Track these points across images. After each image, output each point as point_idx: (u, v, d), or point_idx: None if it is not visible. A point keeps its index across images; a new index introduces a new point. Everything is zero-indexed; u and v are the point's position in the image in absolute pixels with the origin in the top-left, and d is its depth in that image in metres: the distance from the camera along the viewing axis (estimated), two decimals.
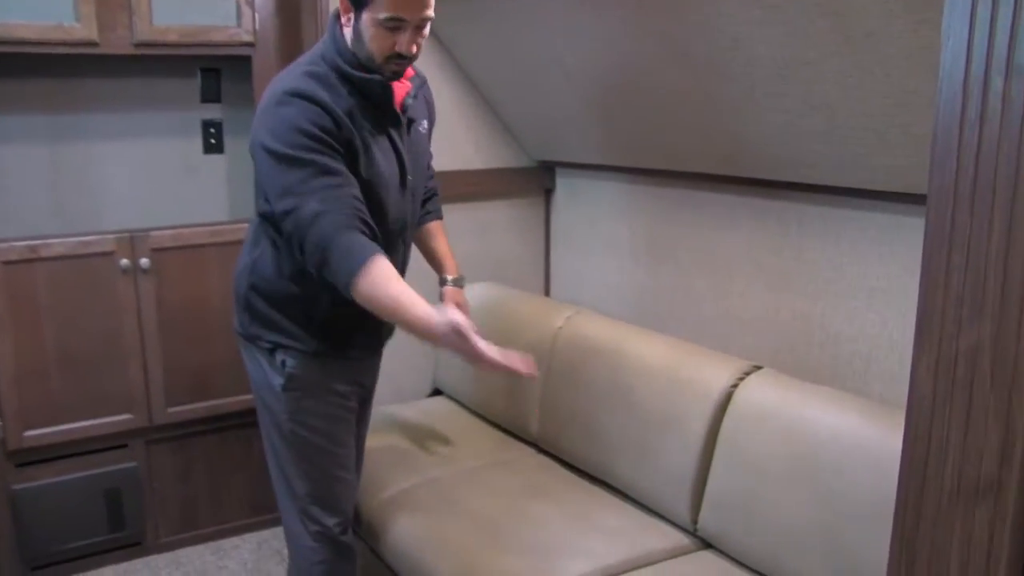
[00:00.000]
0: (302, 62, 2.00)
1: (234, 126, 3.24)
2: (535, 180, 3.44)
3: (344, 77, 1.94)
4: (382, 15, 1.84)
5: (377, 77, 1.95)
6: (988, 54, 0.92)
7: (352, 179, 1.91)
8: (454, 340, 1.82)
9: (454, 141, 3.23)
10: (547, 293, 3.55)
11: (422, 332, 1.85)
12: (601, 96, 2.68)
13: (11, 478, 2.84)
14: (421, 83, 2.18)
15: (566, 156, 3.27)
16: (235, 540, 3.20)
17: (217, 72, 3.20)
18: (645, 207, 2.97)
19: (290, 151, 1.84)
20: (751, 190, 2.54)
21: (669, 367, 2.34)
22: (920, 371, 1.10)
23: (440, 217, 2.47)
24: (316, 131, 1.85)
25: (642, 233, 3.00)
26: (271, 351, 2.10)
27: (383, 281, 1.84)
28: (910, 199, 2.09)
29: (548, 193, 3.48)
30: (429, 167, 2.41)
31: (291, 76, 1.95)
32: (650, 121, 2.59)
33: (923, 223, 1.90)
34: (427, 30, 1.93)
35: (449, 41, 3.09)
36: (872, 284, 2.25)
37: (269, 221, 2.03)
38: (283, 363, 2.08)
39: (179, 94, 3.17)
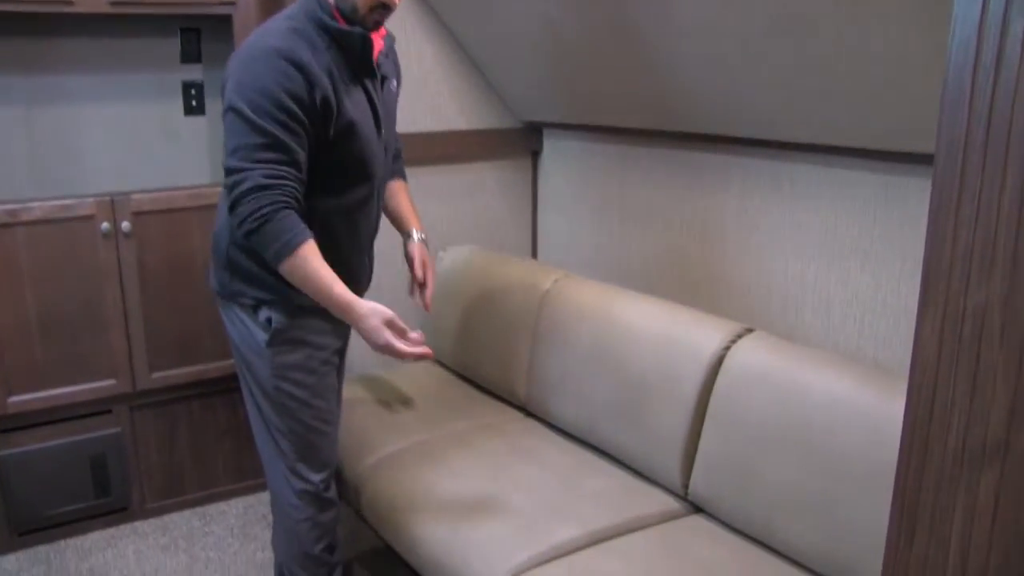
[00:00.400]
0: (284, 16, 1.99)
1: (215, 87, 3.17)
2: (521, 142, 3.39)
3: (324, 30, 1.95)
4: None
5: (358, 29, 1.97)
6: None
7: (302, 156, 1.93)
8: (378, 330, 1.94)
9: (438, 102, 3.18)
10: (534, 256, 3.52)
11: (342, 309, 1.96)
12: (589, 54, 2.62)
13: None
14: (392, 42, 2.22)
15: (553, 117, 3.22)
16: (221, 505, 3.18)
17: (197, 32, 3.13)
18: (634, 168, 2.94)
19: (253, 116, 1.86)
20: (744, 150, 2.51)
21: (660, 330, 2.31)
22: (925, 330, 1.07)
23: (404, 177, 2.48)
24: (286, 100, 1.87)
25: (631, 195, 2.96)
26: (254, 308, 2.11)
27: (311, 260, 1.92)
28: (906, 159, 2.07)
29: (535, 155, 3.44)
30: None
31: (274, 32, 1.94)
32: (640, 79, 2.54)
33: (919, 183, 1.87)
34: None
35: None
36: (866, 246, 2.22)
37: None
38: (268, 320, 2.09)
39: (159, 55, 3.09)
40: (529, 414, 2.74)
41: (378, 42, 2.08)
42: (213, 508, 3.16)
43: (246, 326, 2.14)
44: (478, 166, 3.35)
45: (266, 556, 2.84)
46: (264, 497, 3.21)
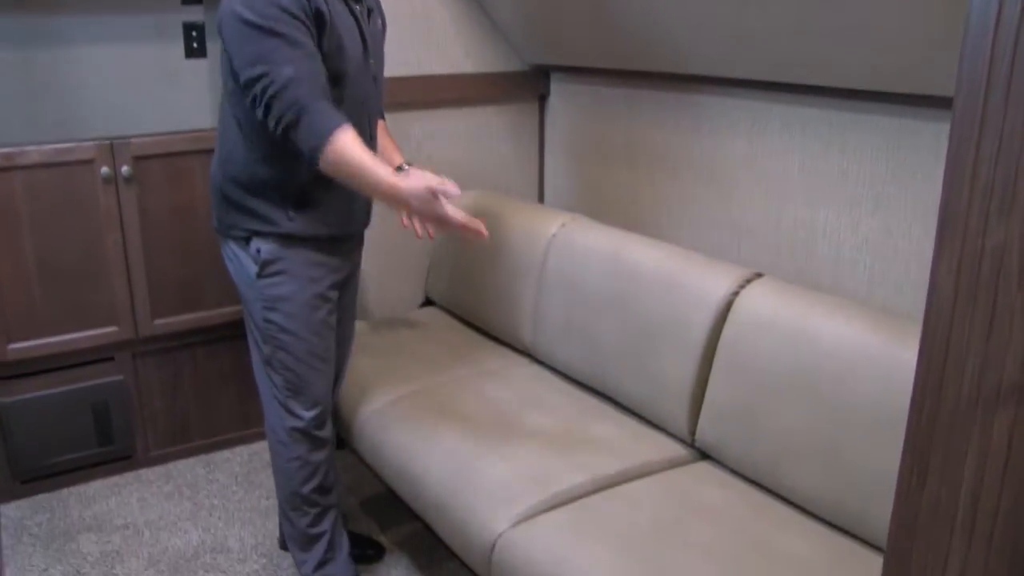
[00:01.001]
0: None
1: (216, 29, 3.12)
2: (528, 85, 3.34)
3: None
4: None
5: None
6: None
7: (319, 56, 1.94)
8: (426, 201, 1.89)
9: (443, 44, 3.12)
10: (541, 201, 3.48)
11: (388, 193, 1.91)
12: None
13: None
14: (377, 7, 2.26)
15: (561, 59, 3.16)
16: (226, 453, 3.18)
17: None
18: (642, 112, 2.89)
19: (264, 22, 1.87)
20: (753, 93, 2.46)
21: (667, 275, 2.28)
22: (941, 270, 1.05)
23: (383, 117, 2.46)
24: (290, 5, 1.88)
25: (639, 139, 2.92)
26: (247, 239, 2.13)
27: (351, 147, 1.89)
28: (919, 101, 2.02)
29: (542, 99, 3.39)
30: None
31: None
32: (649, 19, 2.49)
33: (933, 128, 1.84)
34: None
35: None
36: (878, 191, 2.18)
37: (235, 103, 2.05)
38: (258, 250, 2.11)
39: None
40: (535, 360, 2.72)
41: None
42: (217, 455, 3.17)
43: (239, 259, 2.16)
44: (485, 110, 3.30)
45: (271, 503, 2.84)
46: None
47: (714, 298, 2.14)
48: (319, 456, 2.28)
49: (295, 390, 2.20)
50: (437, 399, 2.44)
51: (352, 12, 2.06)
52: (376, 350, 2.78)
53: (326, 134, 1.87)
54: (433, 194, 1.88)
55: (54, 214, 2.74)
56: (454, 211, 1.91)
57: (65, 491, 2.96)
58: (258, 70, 1.88)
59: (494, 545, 1.90)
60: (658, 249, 2.39)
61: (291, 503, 2.31)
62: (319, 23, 1.94)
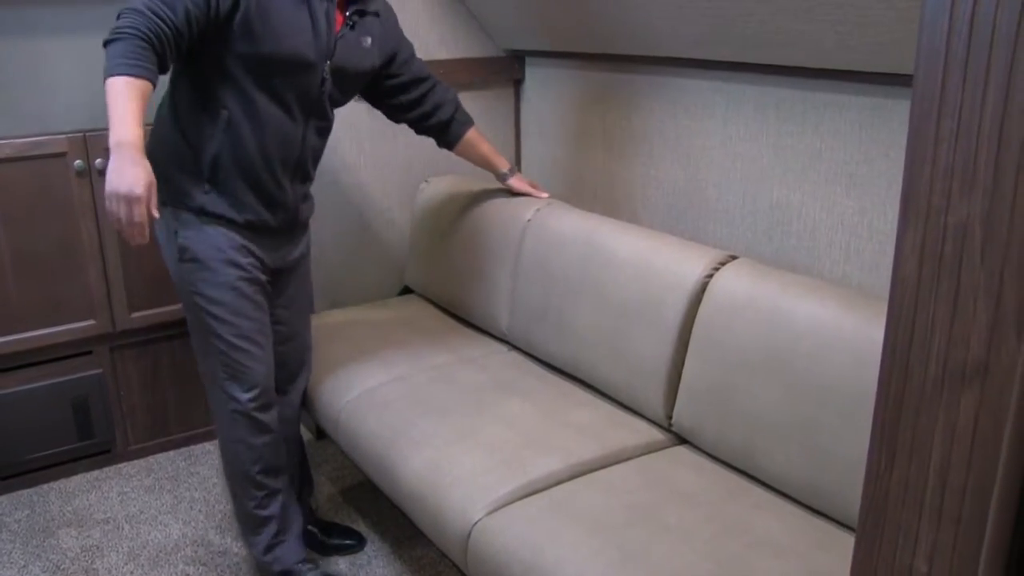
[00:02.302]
0: None
1: None
2: (503, 70, 3.32)
3: None
4: None
5: None
6: None
7: (188, 15, 1.88)
8: (116, 199, 1.75)
9: (416, 31, 3.09)
10: None
11: (125, 132, 1.77)
12: None
13: None
14: (389, 14, 2.37)
15: (535, 44, 3.15)
16: (207, 445, 3.17)
17: None
18: (617, 96, 2.88)
19: None
20: (726, 75, 2.45)
21: (641, 258, 2.27)
22: (904, 250, 1.04)
23: (473, 123, 2.61)
24: None
25: (614, 123, 2.91)
26: (163, 204, 2.07)
27: (131, 92, 1.79)
28: (892, 80, 2.02)
29: (517, 84, 3.38)
30: (424, 71, 2.49)
31: None
32: (623, 4, 2.47)
33: (904, 105, 1.83)
34: None
35: None
36: (852, 170, 2.18)
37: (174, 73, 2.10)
38: (175, 233, 2.11)
39: None
40: (512, 346, 2.71)
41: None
42: (198, 448, 3.15)
43: (163, 240, 2.17)
44: (460, 96, 3.26)
45: None
46: None
47: (688, 281, 2.14)
48: (262, 440, 2.25)
49: (231, 373, 2.18)
50: (414, 387, 2.43)
51: (310, 10, 2.04)
52: (354, 339, 2.77)
53: (108, 73, 1.81)
54: (147, 187, 1.77)
55: (28, 208, 2.72)
56: (134, 232, 1.79)
57: (45, 486, 2.95)
58: None
59: (470, 533, 1.90)
60: (632, 233, 2.38)
61: (239, 483, 2.31)
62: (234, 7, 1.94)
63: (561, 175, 3.22)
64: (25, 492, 2.91)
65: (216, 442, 3.16)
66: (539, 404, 2.32)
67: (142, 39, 1.81)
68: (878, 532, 1.14)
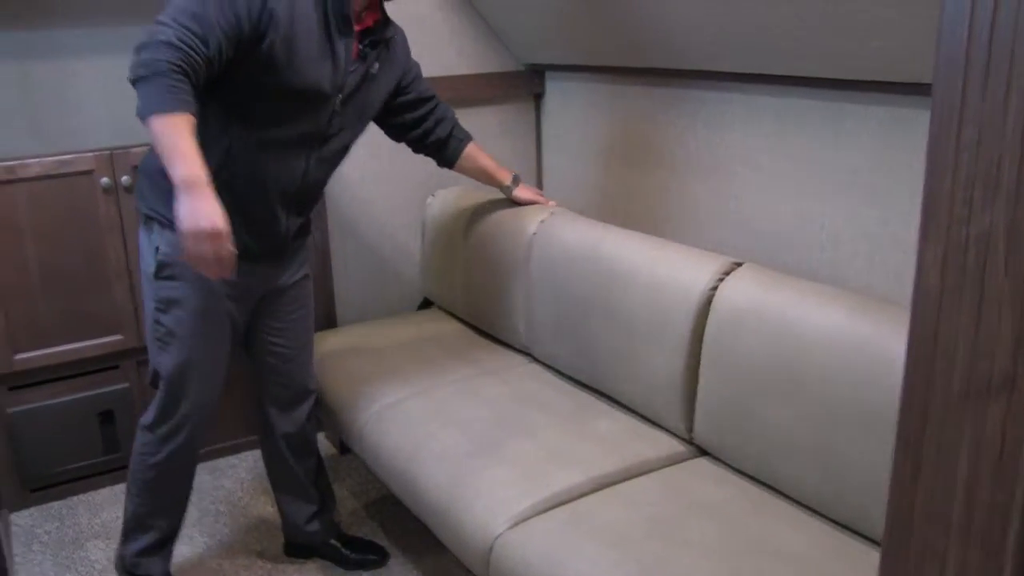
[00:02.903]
0: None
1: None
2: (524, 85, 3.33)
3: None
4: None
5: (347, 12, 1.99)
6: None
7: (220, 46, 1.83)
8: (198, 239, 1.74)
9: (437, 46, 3.11)
10: None
11: (190, 175, 1.74)
12: None
13: (4, 401, 2.81)
14: (403, 38, 2.34)
15: (555, 59, 3.16)
16: (231, 459, 3.18)
17: None
18: (637, 108, 2.88)
19: None
20: (746, 86, 2.45)
21: (646, 270, 2.25)
22: (926, 261, 1.03)
23: (472, 138, 2.58)
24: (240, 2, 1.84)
25: (635, 135, 2.91)
26: (147, 220, 2.08)
27: (185, 130, 1.75)
28: (912, 89, 2.01)
29: (538, 98, 3.39)
30: (429, 90, 2.48)
31: None
32: (642, 15, 2.48)
33: (926, 115, 1.82)
34: None
35: None
36: (874, 180, 2.17)
37: None
38: (156, 248, 2.07)
39: (155, 5, 3.03)
40: (532, 358, 2.71)
41: (369, 18, 2.10)
42: (223, 462, 3.17)
43: (142, 249, 2.13)
44: (480, 110, 3.29)
45: (275, 510, 2.83)
46: None
47: (694, 292, 2.11)
48: (178, 465, 2.29)
49: (163, 398, 2.18)
50: (435, 400, 2.44)
51: (332, 46, 2.02)
52: (375, 352, 2.78)
53: (148, 111, 1.75)
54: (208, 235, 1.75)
55: (55, 225, 2.75)
56: (217, 269, 1.80)
57: (74, 499, 2.98)
58: (160, 17, 1.81)
59: (491, 547, 1.90)
60: (636, 242, 2.36)
61: (134, 483, 2.33)
62: (269, 22, 1.89)
63: (581, 188, 3.22)
64: (54, 504, 2.93)
65: (241, 455, 3.19)
66: (560, 416, 2.32)
67: (180, 73, 1.76)
68: (904, 546, 1.13)
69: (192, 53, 1.78)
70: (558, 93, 3.30)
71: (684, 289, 2.14)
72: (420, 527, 2.51)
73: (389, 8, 2.18)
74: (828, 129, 2.25)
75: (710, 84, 2.56)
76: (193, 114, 1.77)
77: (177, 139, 1.74)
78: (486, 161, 2.61)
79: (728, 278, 2.10)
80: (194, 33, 1.78)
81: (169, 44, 1.75)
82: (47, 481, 2.94)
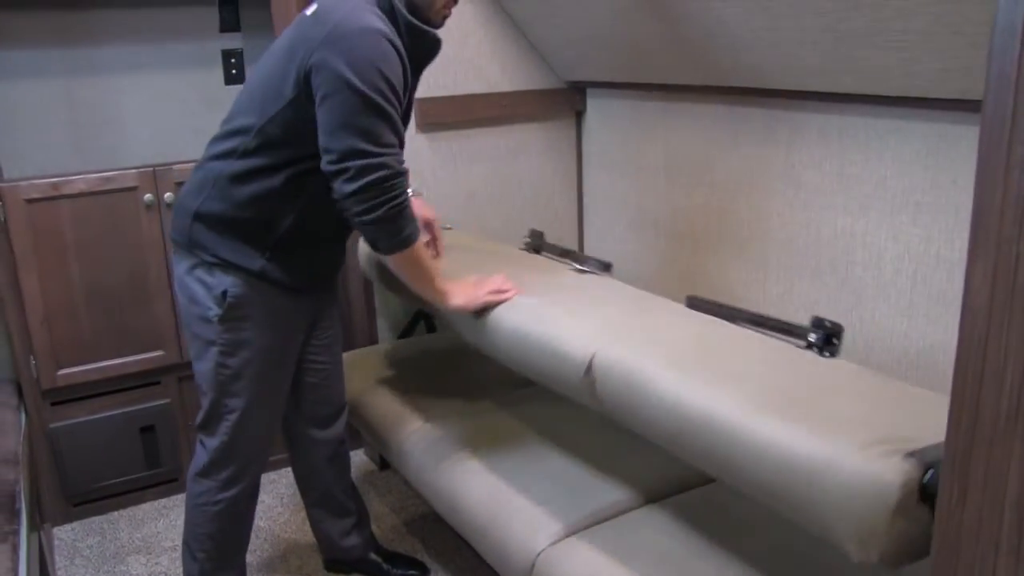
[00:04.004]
0: (360, 2, 1.87)
1: (255, 55, 3.17)
2: (565, 102, 3.34)
3: (405, 27, 1.89)
4: None
5: (433, 32, 1.95)
6: None
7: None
8: (475, 297, 2.01)
9: (479, 63, 3.13)
10: (580, 217, 3.48)
11: (440, 297, 2.01)
12: (631, 9, 2.56)
13: (47, 416, 2.85)
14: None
15: (597, 75, 3.16)
16: (271, 475, 3.20)
17: (235, 0, 3.12)
18: (679, 125, 2.87)
19: (375, 96, 1.78)
20: (790, 103, 2.44)
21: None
22: (975, 280, 1.02)
23: None
24: (396, 82, 1.82)
25: (676, 152, 2.90)
26: (210, 267, 2.00)
27: (422, 255, 1.97)
28: (958, 106, 1.98)
29: (579, 114, 3.39)
30: None
31: (366, 11, 1.83)
32: (682, 32, 2.47)
33: (971, 132, 1.80)
34: None
35: None
36: (918, 198, 2.14)
37: (261, 141, 1.94)
38: (224, 292, 1.98)
39: (197, 23, 3.09)
40: None
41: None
42: (264, 477, 3.15)
43: (196, 295, 2.02)
44: (522, 127, 3.31)
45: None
46: None
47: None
48: (244, 508, 2.22)
49: (233, 436, 2.09)
50: (476, 418, 2.44)
51: (410, 95, 2.00)
52: (416, 371, 2.78)
53: (411, 239, 1.91)
54: (476, 283, 2.02)
55: (99, 241, 2.79)
56: (500, 294, 2.01)
57: (115, 513, 3.00)
58: (361, 144, 1.79)
59: (533, 564, 1.89)
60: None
61: (195, 543, 2.21)
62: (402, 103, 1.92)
63: (622, 206, 3.22)
64: (96, 519, 2.96)
65: (281, 471, 3.20)
66: (603, 432, 2.31)
67: (410, 198, 1.89)
68: (952, 570, 1.11)
69: (407, 170, 1.88)
70: (599, 110, 3.30)
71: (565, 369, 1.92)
72: (461, 543, 2.52)
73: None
74: (871, 146, 2.23)
75: (752, 100, 2.55)
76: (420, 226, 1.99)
77: (418, 261, 1.96)
78: None
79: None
80: (400, 147, 1.88)
81: (399, 175, 1.85)
82: (89, 496, 2.97)
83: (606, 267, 2.27)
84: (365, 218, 1.84)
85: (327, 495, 2.49)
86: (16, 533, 2.00)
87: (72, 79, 2.90)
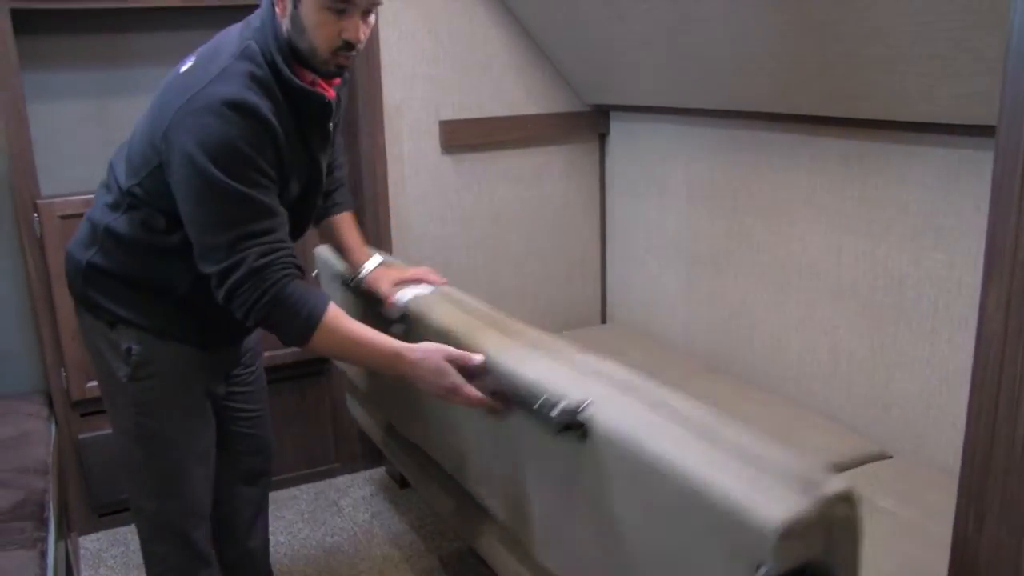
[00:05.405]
0: (240, 53, 1.67)
1: None
2: (588, 125, 3.36)
3: (283, 83, 1.68)
4: None
5: (318, 95, 1.72)
6: None
7: (284, 212, 1.71)
8: (437, 373, 1.66)
9: (503, 86, 3.17)
10: (602, 240, 3.50)
11: (391, 362, 1.70)
12: (654, 33, 2.58)
13: (76, 427, 2.88)
14: (344, 83, 1.91)
15: (620, 99, 3.18)
16: (292, 491, 3.22)
17: None
18: (701, 149, 2.89)
19: (228, 180, 1.59)
20: (811, 128, 2.45)
21: None
22: (989, 306, 1.03)
23: (352, 207, 2.21)
24: (255, 157, 1.62)
25: (698, 176, 2.92)
26: (111, 324, 1.84)
27: (340, 324, 1.70)
28: (978, 131, 1.99)
29: (602, 138, 3.41)
30: (339, 159, 2.18)
31: (232, 80, 1.63)
32: (705, 57, 2.49)
33: (992, 158, 1.80)
34: (373, 18, 1.68)
35: None
36: (939, 223, 2.15)
37: (146, 212, 1.77)
38: (128, 350, 1.83)
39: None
40: None
41: (330, 91, 1.80)
42: (284, 493, 3.20)
43: (104, 356, 1.88)
44: (545, 150, 3.33)
45: (335, 541, 2.87)
46: (335, 483, 3.25)
47: None
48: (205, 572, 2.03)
49: (171, 498, 1.94)
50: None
51: (309, 151, 1.80)
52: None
53: (312, 320, 1.67)
54: (449, 358, 1.66)
55: None
56: (471, 389, 1.65)
57: None
58: (213, 240, 1.63)
59: None
60: None
61: None
62: (278, 168, 1.70)
63: (644, 229, 3.23)
64: (121, 530, 2.98)
65: (302, 487, 3.22)
66: (765, 424, 2.30)
67: (288, 282, 1.66)
68: None
69: (280, 253, 1.66)
70: (623, 133, 3.32)
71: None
72: (479, 562, 2.52)
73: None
74: (892, 171, 2.24)
75: (774, 125, 2.56)
76: (326, 297, 1.70)
77: (341, 339, 1.70)
78: (356, 237, 2.18)
79: None
80: (265, 232, 1.65)
81: (254, 272, 1.63)
82: (115, 507, 2.99)
83: (402, 317, 2.05)
84: (248, 323, 1.69)
85: (246, 555, 2.30)
86: (44, 540, 2.03)
87: (106, 100, 2.95)
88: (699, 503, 1.16)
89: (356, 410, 2.97)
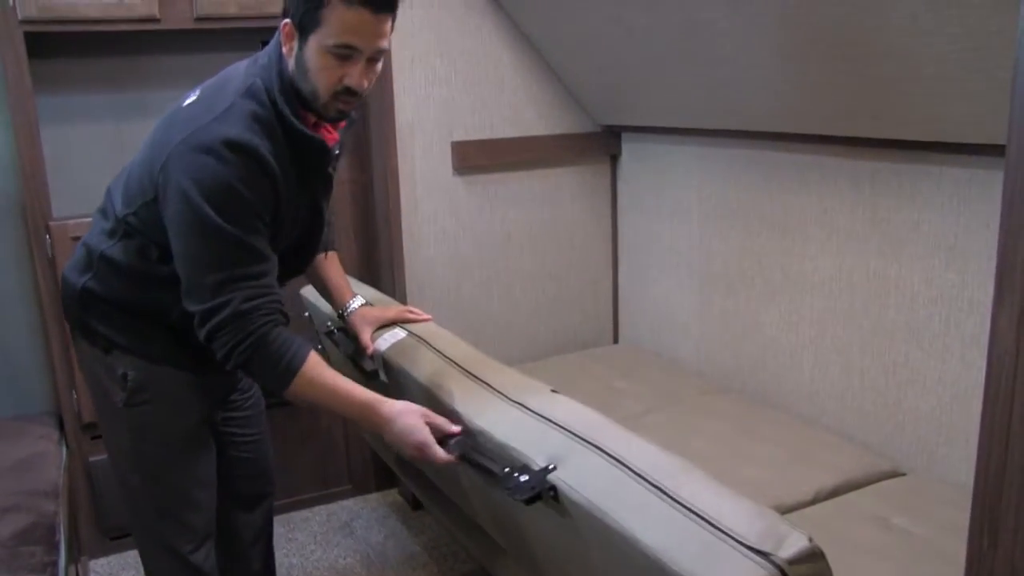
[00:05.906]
0: (245, 91, 1.68)
1: None
2: (600, 146, 3.38)
3: (284, 125, 1.67)
4: (331, 41, 1.58)
5: (317, 138, 1.71)
6: None
7: (274, 257, 1.71)
8: (410, 431, 1.65)
9: (515, 108, 3.18)
10: (614, 260, 3.50)
11: (366, 413, 1.69)
12: (665, 55, 2.60)
13: (87, 449, 2.88)
14: (350, 125, 1.91)
15: (632, 120, 3.20)
16: (305, 512, 3.21)
17: None
18: (713, 170, 2.90)
19: (221, 222, 1.59)
20: (822, 148, 2.45)
21: None
22: (1001, 325, 1.03)
23: (334, 248, 2.20)
24: (250, 200, 1.62)
25: (710, 196, 2.92)
26: (106, 351, 1.85)
27: (319, 373, 1.69)
28: (989, 151, 2.00)
29: (614, 159, 3.42)
30: None
31: (233, 120, 1.63)
32: (716, 78, 2.50)
33: (1003, 174, 1.80)
34: (380, 65, 1.67)
35: (508, 4, 3.03)
36: (950, 242, 2.15)
37: (142, 242, 1.78)
38: (124, 376, 1.83)
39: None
40: None
41: (333, 135, 1.81)
42: (297, 515, 3.20)
43: (100, 381, 1.88)
44: (557, 171, 3.34)
45: (348, 563, 2.87)
46: (347, 505, 3.25)
47: None
48: None
49: (172, 521, 1.93)
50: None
51: (313, 197, 1.81)
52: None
53: (292, 368, 1.66)
54: (426, 417, 1.66)
55: None
56: (439, 450, 1.63)
57: None
58: (199, 280, 1.64)
59: None
60: None
61: None
62: (273, 211, 1.69)
63: (656, 250, 3.23)
64: (131, 553, 2.97)
65: (314, 509, 3.22)
66: (781, 448, 2.30)
67: (271, 328, 1.65)
68: None
69: (267, 298, 1.66)
70: (634, 154, 3.33)
71: None
72: None
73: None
74: (903, 190, 2.24)
75: (785, 145, 2.57)
76: (308, 345, 1.69)
77: (319, 389, 1.69)
78: (339, 276, 2.19)
79: None
80: (254, 276, 1.65)
81: (239, 315, 1.63)
82: (126, 530, 2.97)
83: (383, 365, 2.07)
84: (228, 366, 1.67)
85: None
86: (55, 564, 2.03)
87: (120, 122, 2.97)
88: (663, 573, 1.19)
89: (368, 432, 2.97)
